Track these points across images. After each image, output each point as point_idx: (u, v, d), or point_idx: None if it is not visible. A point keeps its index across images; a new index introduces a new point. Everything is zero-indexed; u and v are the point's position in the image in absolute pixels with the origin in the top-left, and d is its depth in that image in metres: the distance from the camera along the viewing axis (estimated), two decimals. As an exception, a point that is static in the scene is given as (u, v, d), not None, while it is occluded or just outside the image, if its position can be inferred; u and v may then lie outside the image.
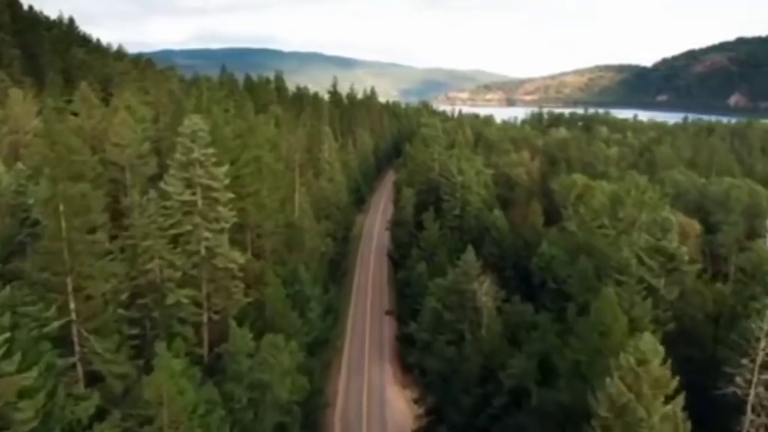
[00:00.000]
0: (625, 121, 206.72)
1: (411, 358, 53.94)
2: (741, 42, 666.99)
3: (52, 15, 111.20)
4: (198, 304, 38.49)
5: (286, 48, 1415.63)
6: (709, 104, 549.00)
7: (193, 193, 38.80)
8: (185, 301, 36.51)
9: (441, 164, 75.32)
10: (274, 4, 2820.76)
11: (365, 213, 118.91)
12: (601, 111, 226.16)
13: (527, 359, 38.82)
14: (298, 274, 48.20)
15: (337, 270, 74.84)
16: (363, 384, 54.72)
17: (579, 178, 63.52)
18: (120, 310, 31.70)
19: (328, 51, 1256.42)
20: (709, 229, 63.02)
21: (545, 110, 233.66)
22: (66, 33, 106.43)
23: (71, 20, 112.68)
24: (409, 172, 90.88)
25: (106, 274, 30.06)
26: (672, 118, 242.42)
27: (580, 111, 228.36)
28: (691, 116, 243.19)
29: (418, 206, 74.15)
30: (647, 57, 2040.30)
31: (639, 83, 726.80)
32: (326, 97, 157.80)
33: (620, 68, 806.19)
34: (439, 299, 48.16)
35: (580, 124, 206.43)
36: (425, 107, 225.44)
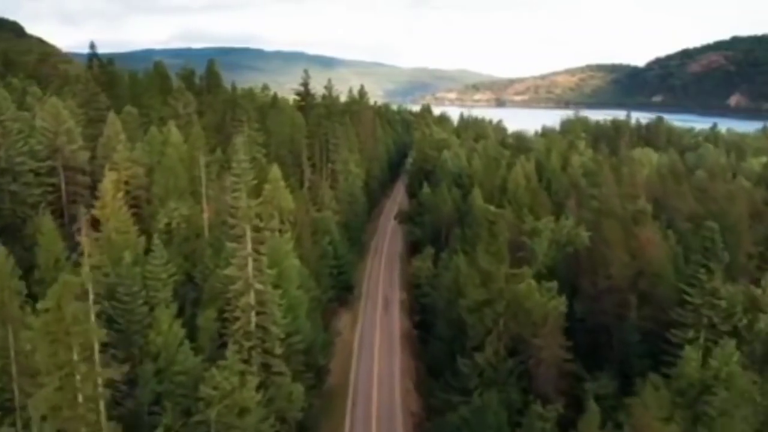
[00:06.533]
0: (690, 130, 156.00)
1: None
2: (737, 41, 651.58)
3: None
4: None
5: (268, 47, 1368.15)
6: (708, 104, 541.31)
7: None
8: None
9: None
10: (257, 3, 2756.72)
11: (354, 313, 65.75)
12: (650, 116, 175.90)
13: None
14: None
15: None
16: None
17: None
18: None
19: (311, 50, 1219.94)
20: None
21: (578, 113, 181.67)
22: None
23: None
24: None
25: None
26: (672, 119, 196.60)
27: (621, 115, 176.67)
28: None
29: None
30: (639, 56, 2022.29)
31: (631, 83, 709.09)
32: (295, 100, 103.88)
33: (612, 68, 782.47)
34: None
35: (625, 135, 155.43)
36: (428, 112, 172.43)
